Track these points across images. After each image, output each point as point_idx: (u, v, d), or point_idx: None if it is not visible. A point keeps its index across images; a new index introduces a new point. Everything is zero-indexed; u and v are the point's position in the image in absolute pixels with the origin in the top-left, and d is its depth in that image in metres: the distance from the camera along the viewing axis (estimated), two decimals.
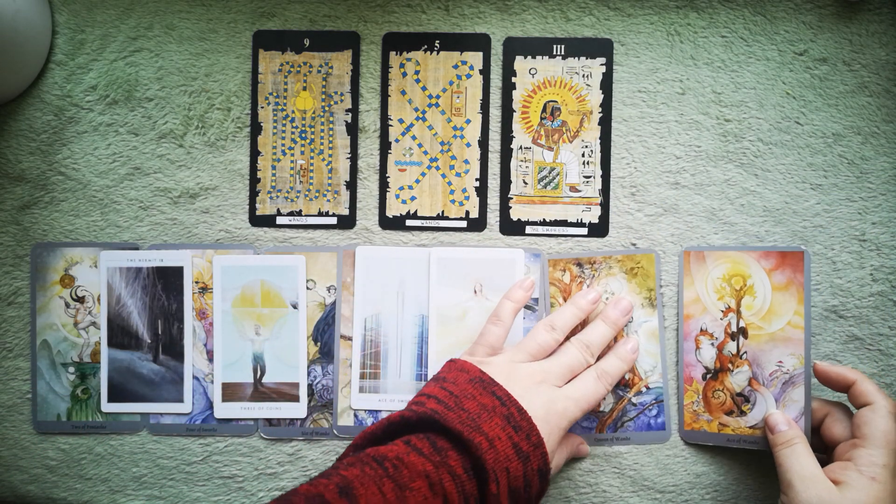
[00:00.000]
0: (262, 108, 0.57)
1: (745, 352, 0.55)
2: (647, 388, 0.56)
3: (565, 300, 0.56)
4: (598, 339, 0.52)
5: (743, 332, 0.55)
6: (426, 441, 0.44)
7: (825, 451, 0.52)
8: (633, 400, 0.56)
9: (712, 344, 0.55)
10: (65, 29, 0.57)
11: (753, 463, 0.56)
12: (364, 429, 0.47)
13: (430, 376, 0.56)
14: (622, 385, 0.56)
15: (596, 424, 0.56)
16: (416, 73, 0.57)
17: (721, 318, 0.55)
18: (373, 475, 0.41)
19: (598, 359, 0.53)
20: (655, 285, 0.56)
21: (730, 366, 0.55)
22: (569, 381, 0.50)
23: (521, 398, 0.47)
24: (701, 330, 0.56)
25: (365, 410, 0.56)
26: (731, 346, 0.55)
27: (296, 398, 0.57)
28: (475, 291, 0.56)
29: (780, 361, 0.54)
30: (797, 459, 0.49)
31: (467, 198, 0.57)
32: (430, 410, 0.45)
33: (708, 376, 0.55)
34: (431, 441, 0.44)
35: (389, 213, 0.57)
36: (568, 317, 0.53)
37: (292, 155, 0.57)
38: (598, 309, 0.55)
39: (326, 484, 0.41)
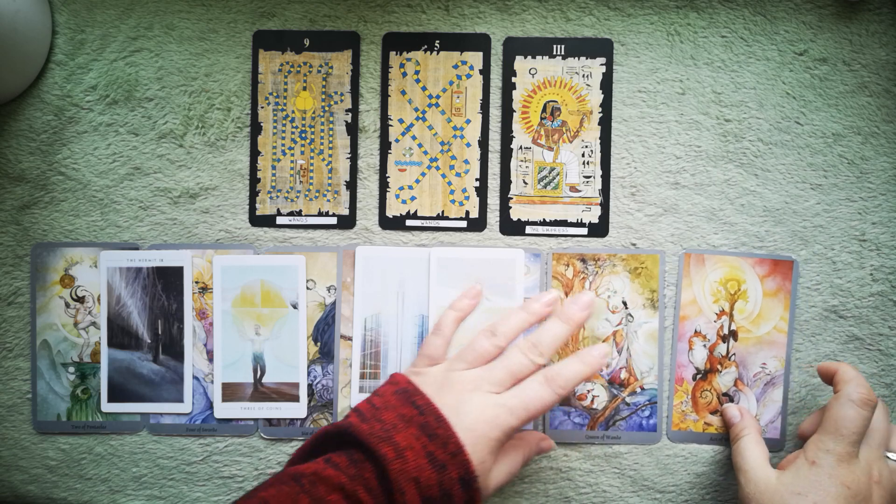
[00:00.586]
0: (262, 108, 0.57)
1: (734, 353, 0.56)
2: (642, 388, 0.56)
3: (567, 295, 0.56)
4: (548, 338, 0.49)
5: (734, 334, 0.56)
6: (344, 455, 0.44)
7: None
8: (627, 399, 0.56)
9: (704, 345, 0.56)
10: (65, 29, 0.57)
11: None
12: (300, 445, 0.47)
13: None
14: (617, 384, 0.56)
15: (588, 422, 0.56)
16: (416, 73, 0.57)
17: (715, 321, 0.56)
18: (289, 492, 0.42)
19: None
20: (658, 287, 0.56)
21: (719, 367, 0.56)
22: (513, 386, 0.48)
23: (448, 406, 0.46)
24: (695, 332, 0.56)
25: None
26: (722, 348, 0.56)
27: (296, 398, 0.57)
28: None
29: (764, 363, 0.56)
30: (745, 449, 0.51)
31: (467, 198, 0.57)
32: (346, 423, 0.45)
33: (698, 377, 0.56)
34: (349, 454, 0.44)
35: (389, 213, 0.57)
36: (514, 323, 0.50)
37: (292, 155, 0.57)
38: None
39: None
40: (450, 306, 0.54)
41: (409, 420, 0.45)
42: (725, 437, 0.56)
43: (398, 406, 0.46)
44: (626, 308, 0.56)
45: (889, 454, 0.49)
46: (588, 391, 0.56)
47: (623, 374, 0.56)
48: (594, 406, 0.56)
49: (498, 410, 0.46)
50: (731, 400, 0.56)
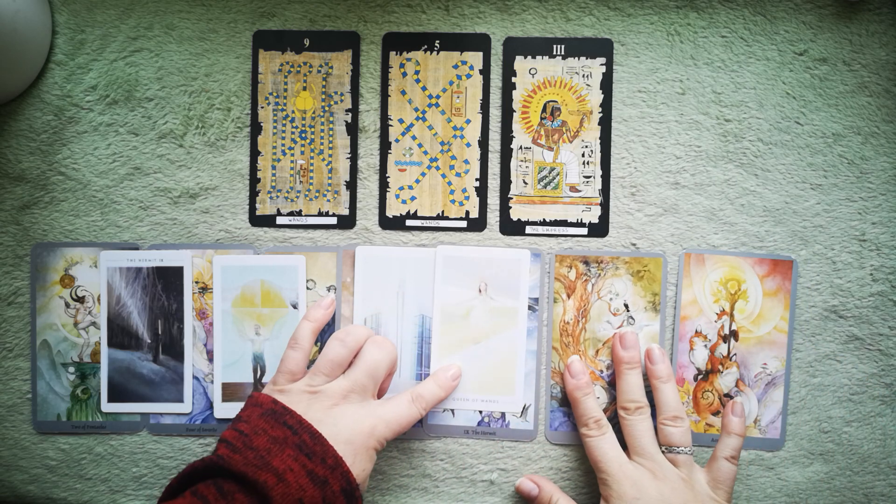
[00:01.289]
0: (262, 108, 0.57)
1: (735, 354, 0.56)
2: None
3: (569, 297, 0.56)
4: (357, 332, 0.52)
5: (734, 334, 0.56)
6: (213, 487, 0.43)
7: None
8: None
9: (705, 346, 0.56)
10: (65, 29, 0.57)
11: (754, 463, 0.56)
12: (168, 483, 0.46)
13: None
14: None
15: None
16: (416, 73, 0.57)
17: (715, 321, 0.56)
18: None
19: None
20: (661, 290, 0.56)
21: (720, 367, 0.56)
22: (381, 396, 0.51)
23: (321, 422, 0.46)
24: (696, 332, 0.56)
25: None
26: (723, 349, 0.56)
27: None
28: (480, 290, 0.56)
29: (765, 363, 0.56)
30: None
31: (467, 198, 0.57)
32: (216, 457, 0.44)
33: (699, 377, 0.56)
34: (218, 486, 0.43)
35: (389, 213, 0.57)
36: (361, 329, 0.53)
37: (292, 155, 0.57)
38: None
39: None
40: (304, 317, 0.53)
41: (284, 442, 0.45)
42: None
43: (268, 429, 0.45)
44: (628, 311, 0.56)
45: (671, 448, 0.51)
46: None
47: None
48: None
49: (376, 422, 0.48)
50: (732, 399, 0.56)
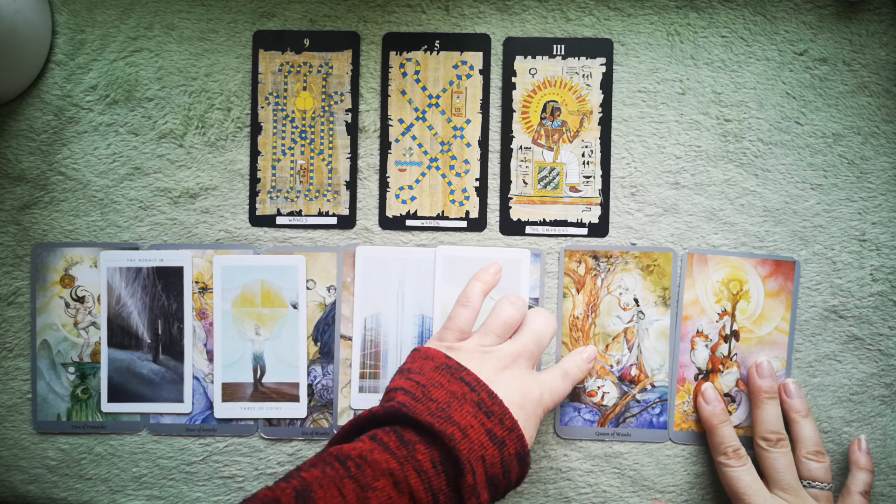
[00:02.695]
0: (262, 108, 0.57)
1: (736, 354, 0.56)
2: (653, 385, 0.56)
3: (579, 291, 0.56)
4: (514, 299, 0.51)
5: (735, 334, 0.56)
6: (393, 434, 0.42)
7: None
8: (638, 397, 0.56)
9: (706, 345, 0.56)
10: (65, 29, 0.57)
11: (754, 463, 0.56)
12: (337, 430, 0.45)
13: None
14: (628, 381, 0.56)
15: (598, 418, 0.56)
16: (416, 73, 0.57)
17: (717, 321, 0.56)
18: (333, 476, 0.39)
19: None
20: (671, 284, 0.56)
21: (721, 367, 0.56)
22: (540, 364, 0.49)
23: (493, 382, 0.45)
24: (697, 331, 0.56)
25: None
26: (724, 348, 0.56)
27: (296, 398, 0.57)
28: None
29: None
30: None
31: (467, 198, 0.57)
32: (397, 403, 0.43)
33: (700, 377, 0.56)
34: (398, 434, 0.42)
35: (389, 213, 0.57)
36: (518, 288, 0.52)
37: (292, 155, 0.57)
38: None
39: (284, 488, 0.39)
40: (473, 277, 0.52)
41: (462, 397, 0.43)
42: None
43: (445, 383, 0.44)
44: (638, 305, 0.56)
45: (809, 482, 0.52)
46: (598, 388, 0.56)
47: (634, 371, 0.56)
48: (604, 403, 0.56)
49: (542, 390, 0.47)
50: (733, 400, 0.56)
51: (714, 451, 0.53)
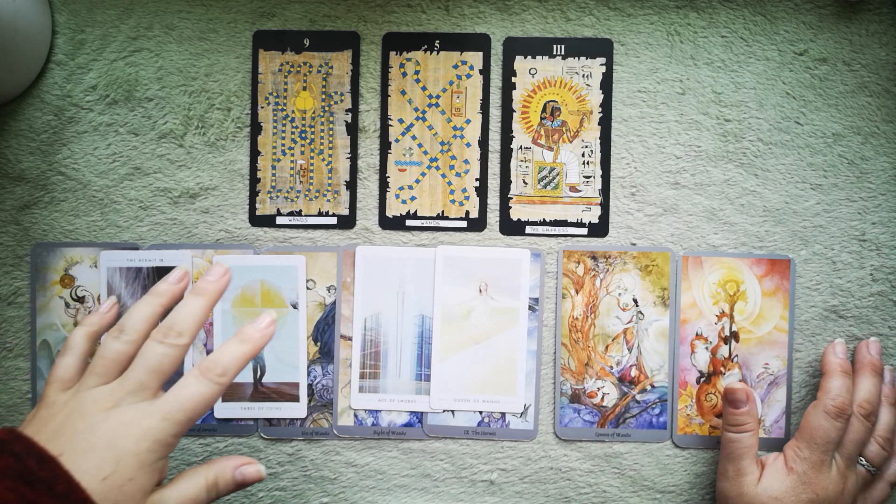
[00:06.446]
0: (262, 108, 0.57)
1: (737, 355, 0.56)
2: (653, 386, 0.56)
3: (577, 292, 0.56)
4: (184, 314, 0.43)
5: (735, 335, 0.56)
6: None
7: None
8: (637, 397, 0.56)
9: (706, 348, 0.56)
10: (65, 29, 0.57)
11: None
12: None
13: (430, 376, 0.56)
14: (628, 382, 0.56)
15: (598, 419, 0.56)
16: (416, 73, 0.57)
17: (716, 323, 0.56)
18: None
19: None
20: (669, 284, 0.56)
21: (722, 369, 0.56)
22: (163, 386, 0.43)
23: (74, 437, 0.40)
24: (696, 334, 0.56)
25: (365, 410, 0.56)
26: (724, 350, 0.56)
27: (296, 398, 0.57)
28: (480, 291, 0.56)
29: (767, 363, 0.56)
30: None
31: (467, 198, 0.57)
32: None
33: (702, 380, 0.56)
34: None
35: (389, 213, 0.57)
36: (140, 311, 0.44)
37: (292, 155, 0.57)
38: (205, 288, 0.45)
39: None
40: (81, 323, 0.48)
41: (4, 473, 0.38)
42: None
43: None
44: (637, 305, 0.56)
45: (861, 460, 0.51)
46: (598, 389, 0.56)
47: (633, 372, 0.56)
48: (604, 403, 0.56)
49: (146, 419, 0.41)
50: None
51: (821, 393, 0.51)
